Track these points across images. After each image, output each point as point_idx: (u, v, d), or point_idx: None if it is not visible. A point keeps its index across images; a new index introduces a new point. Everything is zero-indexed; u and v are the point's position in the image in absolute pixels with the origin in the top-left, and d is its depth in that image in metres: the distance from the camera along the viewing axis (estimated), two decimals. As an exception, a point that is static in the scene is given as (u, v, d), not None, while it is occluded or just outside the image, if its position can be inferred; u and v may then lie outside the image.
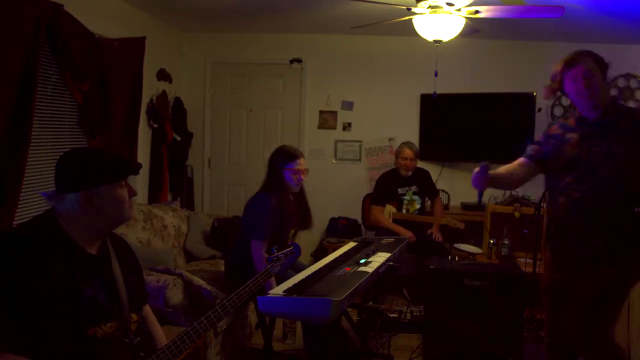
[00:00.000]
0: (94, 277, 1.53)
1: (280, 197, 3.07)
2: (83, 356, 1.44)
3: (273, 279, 2.79)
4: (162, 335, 1.83)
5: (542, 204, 3.80)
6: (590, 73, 2.10)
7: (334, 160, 5.28)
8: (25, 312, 1.36)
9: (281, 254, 2.13)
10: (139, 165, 1.70)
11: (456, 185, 5.02)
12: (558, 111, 4.95)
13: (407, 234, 4.05)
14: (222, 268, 3.45)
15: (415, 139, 4.91)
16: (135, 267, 1.77)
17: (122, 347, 1.55)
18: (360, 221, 4.98)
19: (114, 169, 1.56)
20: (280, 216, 3.05)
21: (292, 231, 3.29)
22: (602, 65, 2.14)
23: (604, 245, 2.09)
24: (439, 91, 4.26)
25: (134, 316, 1.65)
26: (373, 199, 4.43)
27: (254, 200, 3.15)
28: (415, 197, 4.37)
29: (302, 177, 3.15)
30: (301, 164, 3.13)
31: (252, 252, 2.99)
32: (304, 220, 3.28)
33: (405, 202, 4.36)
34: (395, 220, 4.27)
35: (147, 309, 1.85)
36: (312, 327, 2.88)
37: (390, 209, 4.32)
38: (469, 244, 4.45)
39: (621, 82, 4.84)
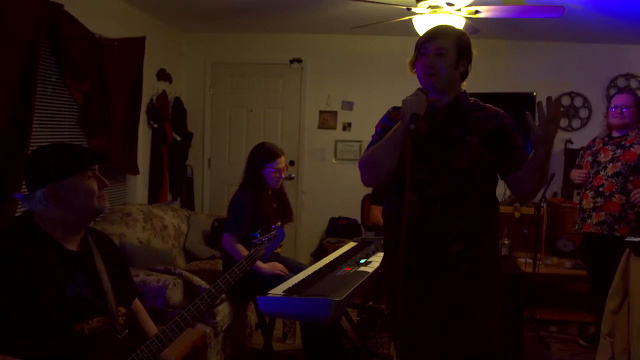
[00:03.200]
0: (76, 273, 1.53)
1: (256, 196, 3.11)
2: (71, 353, 1.45)
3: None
4: (153, 327, 1.84)
5: (542, 204, 3.81)
6: (442, 52, 1.83)
7: (334, 160, 5.27)
8: (10, 311, 1.37)
9: (265, 237, 2.11)
10: (100, 155, 1.69)
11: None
12: (558, 111, 4.94)
13: None
14: (222, 268, 3.46)
15: (415, 139, 4.90)
16: (120, 262, 1.77)
17: (110, 341, 1.55)
18: (360, 221, 4.98)
19: (75, 160, 1.56)
20: (254, 215, 3.07)
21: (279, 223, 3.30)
22: (463, 51, 1.86)
23: (466, 250, 1.82)
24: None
25: (122, 310, 1.65)
26: (372, 199, 4.43)
27: (233, 197, 3.18)
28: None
29: (283, 175, 3.18)
30: (282, 162, 3.16)
31: (223, 244, 3.05)
32: (284, 214, 3.30)
33: (405, 202, 4.36)
34: None
35: (137, 303, 1.85)
36: (311, 328, 2.88)
37: (390, 209, 4.32)
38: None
39: (621, 82, 4.84)
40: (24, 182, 2.68)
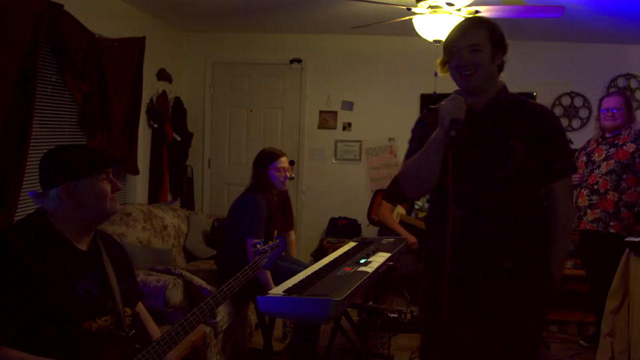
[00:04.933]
0: (86, 271, 1.56)
1: (266, 197, 3.14)
2: (79, 349, 1.46)
3: (269, 273, 2.87)
4: (156, 330, 1.87)
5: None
6: (477, 48, 1.69)
7: (334, 160, 5.27)
8: (20, 306, 1.39)
9: (268, 247, 2.18)
10: (117, 159, 1.74)
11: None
12: (558, 111, 4.94)
13: (411, 238, 3.95)
14: (217, 270, 3.44)
15: (415, 139, 4.90)
16: (127, 265, 1.79)
17: (117, 340, 1.57)
18: (360, 221, 4.97)
19: (92, 162, 1.59)
20: (268, 214, 3.11)
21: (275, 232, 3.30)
22: (498, 43, 1.73)
23: (516, 266, 1.71)
24: (438, 91, 4.25)
25: (128, 310, 1.67)
26: (386, 196, 4.35)
27: (243, 200, 3.18)
28: (428, 204, 4.33)
29: (288, 174, 3.22)
30: (284, 161, 3.21)
31: (249, 251, 3.00)
32: (287, 221, 3.33)
33: (416, 207, 4.34)
34: (402, 223, 4.24)
35: (141, 306, 1.87)
36: (305, 328, 2.88)
37: (400, 210, 4.29)
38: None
39: (621, 82, 4.84)
40: (24, 181, 2.72)
